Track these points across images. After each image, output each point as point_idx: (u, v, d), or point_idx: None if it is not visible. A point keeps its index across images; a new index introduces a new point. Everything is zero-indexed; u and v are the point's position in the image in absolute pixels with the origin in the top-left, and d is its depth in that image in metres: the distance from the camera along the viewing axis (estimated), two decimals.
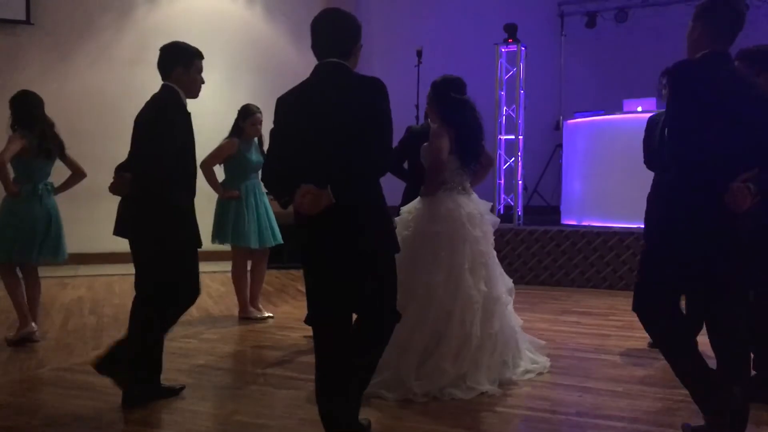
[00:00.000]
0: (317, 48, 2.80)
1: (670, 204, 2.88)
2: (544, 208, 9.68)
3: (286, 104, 2.81)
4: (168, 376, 3.73)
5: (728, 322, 2.93)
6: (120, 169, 3.65)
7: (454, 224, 3.79)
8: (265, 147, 4.95)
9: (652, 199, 4.41)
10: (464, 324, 3.68)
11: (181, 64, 3.51)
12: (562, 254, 7.39)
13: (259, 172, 5.27)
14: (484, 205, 3.96)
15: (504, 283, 3.97)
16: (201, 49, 3.63)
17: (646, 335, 4.35)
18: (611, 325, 5.29)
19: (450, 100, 3.90)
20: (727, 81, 2.81)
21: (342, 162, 2.63)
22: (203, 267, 3.78)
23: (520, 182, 8.46)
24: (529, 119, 8.91)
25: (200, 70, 3.60)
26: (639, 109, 7.35)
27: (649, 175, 4.43)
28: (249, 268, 5.67)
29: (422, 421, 3.28)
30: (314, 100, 2.73)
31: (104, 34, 8.88)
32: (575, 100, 9.98)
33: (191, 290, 3.59)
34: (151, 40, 9.25)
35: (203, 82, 3.63)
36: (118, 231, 3.66)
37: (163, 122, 3.41)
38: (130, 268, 3.61)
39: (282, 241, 5.70)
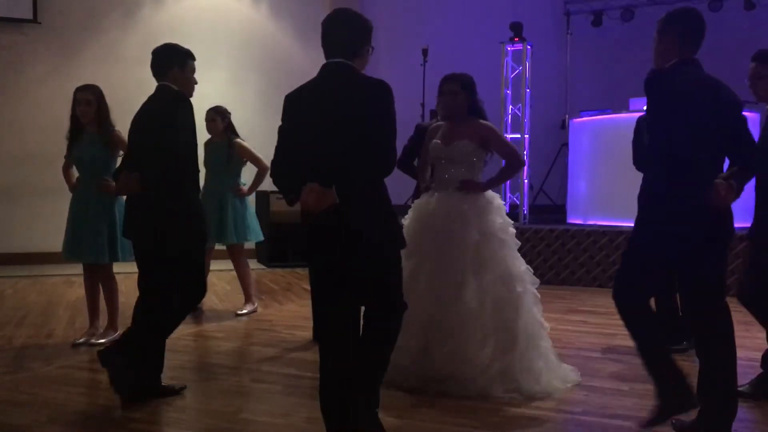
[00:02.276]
0: (326, 47, 2.83)
1: (656, 207, 2.97)
2: (549, 206, 9.66)
3: (293, 102, 2.84)
4: (173, 374, 3.75)
5: (710, 318, 3.00)
6: (119, 172, 3.66)
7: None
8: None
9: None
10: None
11: (176, 64, 3.56)
12: (567, 253, 7.38)
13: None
14: None
15: None
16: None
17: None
18: (617, 324, 5.23)
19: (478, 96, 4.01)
20: (698, 85, 2.93)
21: (346, 162, 2.65)
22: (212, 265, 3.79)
23: (525, 181, 8.45)
24: (534, 118, 8.90)
25: (194, 70, 3.65)
26: (645, 107, 7.32)
27: None
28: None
29: (427, 420, 3.28)
30: (320, 99, 2.76)
31: (111, 33, 8.90)
32: (581, 99, 9.96)
33: (198, 287, 3.61)
34: (157, 39, 9.19)
35: (196, 83, 3.67)
36: (124, 232, 3.70)
37: (172, 119, 3.41)
38: (133, 266, 3.62)
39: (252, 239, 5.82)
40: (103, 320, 4.80)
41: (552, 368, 3.78)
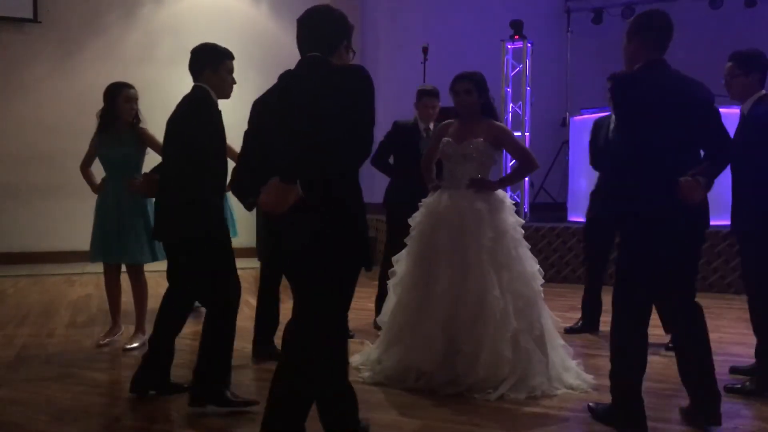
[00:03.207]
0: (300, 44, 2.66)
1: (634, 215, 3.02)
2: (550, 205, 9.65)
3: (259, 104, 2.69)
4: (175, 372, 3.74)
5: (690, 312, 3.14)
6: (154, 171, 3.67)
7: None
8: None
9: (595, 197, 4.99)
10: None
11: (209, 66, 3.47)
12: (568, 251, 7.37)
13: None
14: None
15: None
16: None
17: (655, 332, 4.35)
18: None
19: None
20: (668, 85, 3.01)
21: (313, 156, 2.40)
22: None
23: (526, 179, 8.44)
24: (535, 116, 8.89)
25: (231, 70, 3.55)
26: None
27: None
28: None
29: (430, 417, 3.28)
30: (286, 93, 2.56)
31: (111, 32, 8.90)
32: (582, 97, 9.93)
33: (235, 287, 3.53)
34: (157, 38, 9.30)
35: (234, 82, 3.58)
36: (155, 234, 3.69)
37: (193, 121, 3.39)
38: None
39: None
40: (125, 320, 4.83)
41: (569, 366, 3.81)
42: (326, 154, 2.40)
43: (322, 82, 2.50)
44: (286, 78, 2.63)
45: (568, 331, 4.88)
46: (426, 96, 4.99)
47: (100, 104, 4.61)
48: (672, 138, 2.95)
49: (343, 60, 2.65)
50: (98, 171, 4.75)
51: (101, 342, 4.65)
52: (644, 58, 3.05)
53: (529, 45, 8.60)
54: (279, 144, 2.48)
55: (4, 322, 5.34)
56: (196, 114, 3.41)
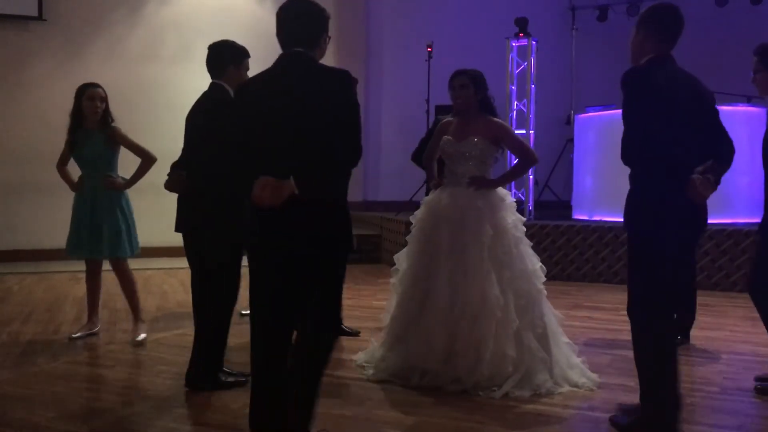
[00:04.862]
0: (281, 37, 2.67)
1: (643, 204, 2.95)
2: (554, 202, 9.64)
3: (247, 92, 2.68)
4: (180, 370, 3.75)
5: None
6: (175, 167, 3.68)
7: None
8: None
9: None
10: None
11: (233, 62, 3.61)
12: (572, 249, 7.37)
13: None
14: None
15: None
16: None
17: None
18: (622, 320, 5.23)
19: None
20: (674, 81, 2.94)
21: (306, 154, 2.50)
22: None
23: (530, 177, 8.43)
24: (540, 113, 8.87)
25: (248, 68, 3.67)
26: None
27: None
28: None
29: (435, 416, 3.28)
30: (277, 90, 2.60)
31: (115, 30, 8.91)
32: (586, 95, 9.92)
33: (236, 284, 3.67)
34: (161, 35, 9.31)
35: None
36: (180, 227, 3.70)
37: (216, 121, 3.42)
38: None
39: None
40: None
41: (573, 364, 3.80)
42: (322, 156, 2.50)
43: (314, 84, 2.59)
44: (273, 76, 2.66)
45: None
46: None
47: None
48: (680, 133, 2.89)
49: (322, 51, 2.76)
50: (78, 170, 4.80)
51: (74, 335, 4.70)
52: (652, 51, 2.98)
53: (533, 43, 8.58)
54: (272, 144, 2.56)
55: (9, 319, 5.35)
56: (221, 115, 3.39)
